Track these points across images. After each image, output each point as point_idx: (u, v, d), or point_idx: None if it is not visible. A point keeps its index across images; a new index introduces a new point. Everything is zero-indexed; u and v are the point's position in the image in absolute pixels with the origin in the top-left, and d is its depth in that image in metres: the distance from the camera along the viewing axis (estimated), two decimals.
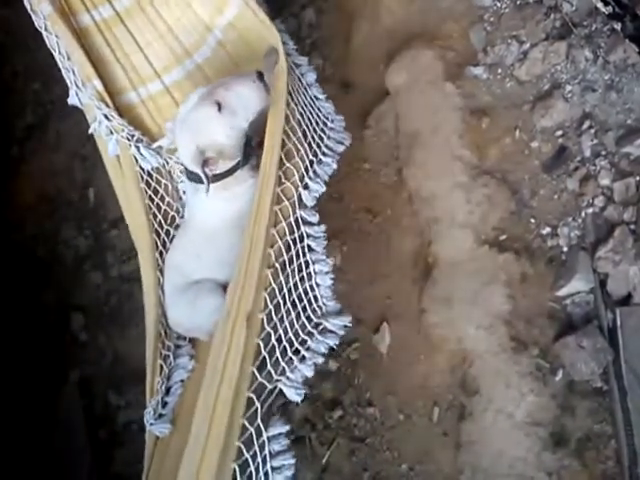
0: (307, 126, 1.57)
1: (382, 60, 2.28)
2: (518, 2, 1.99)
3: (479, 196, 1.91)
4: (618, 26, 1.55)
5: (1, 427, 2.52)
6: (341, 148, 1.63)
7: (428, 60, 2.13)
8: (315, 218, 1.44)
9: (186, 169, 1.54)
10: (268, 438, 1.17)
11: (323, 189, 1.50)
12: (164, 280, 1.65)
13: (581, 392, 1.65)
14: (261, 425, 1.17)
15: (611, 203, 1.71)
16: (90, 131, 1.71)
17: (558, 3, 1.89)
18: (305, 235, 1.42)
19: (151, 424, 1.50)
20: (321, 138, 1.60)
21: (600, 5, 1.54)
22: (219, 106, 1.43)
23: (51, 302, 2.83)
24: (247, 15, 1.69)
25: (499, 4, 2.03)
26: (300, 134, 1.53)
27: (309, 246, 1.41)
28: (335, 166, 1.58)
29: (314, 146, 1.56)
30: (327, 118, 1.66)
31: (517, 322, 1.77)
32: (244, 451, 1.14)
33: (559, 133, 1.85)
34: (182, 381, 1.58)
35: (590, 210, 1.74)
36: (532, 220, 1.84)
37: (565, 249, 1.77)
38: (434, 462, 1.84)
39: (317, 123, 1.61)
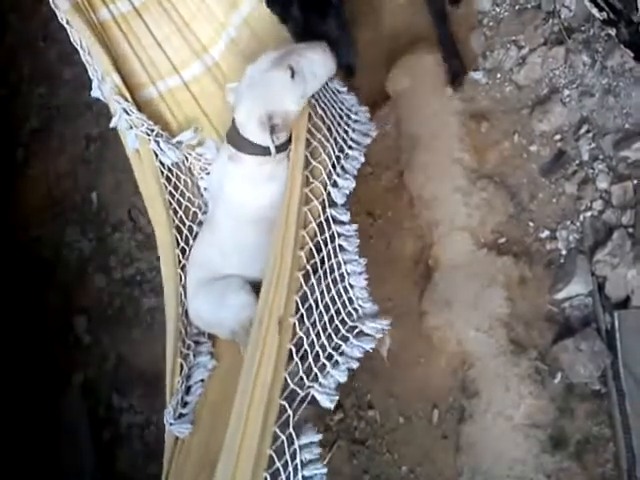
0: (331, 121, 1.52)
1: (383, 64, 2.29)
2: (517, 7, 2.00)
3: (478, 199, 1.92)
4: (613, 32, 1.56)
5: (5, 429, 2.54)
6: (367, 140, 1.57)
7: (429, 65, 2.14)
8: (346, 216, 1.40)
9: (235, 133, 1.46)
10: (299, 447, 1.12)
11: (353, 184, 1.45)
12: (188, 275, 1.61)
13: (580, 395, 1.65)
14: (293, 433, 1.12)
15: (609, 207, 1.71)
16: (111, 125, 1.71)
17: (556, 9, 1.90)
18: (336, 235, 1.36)
19: (171, 424, 1.47)
20: (346, 132, 1.54)
21: (595, 11, 1.55)
22: (292, 72, 1.39)
23: (55, 304, 2.85)
24: (261, 12, 1.67)
25: (498, 9, 2.03)
26: (325, 130, 1.49)
27: (341, 246, 1.35)
28: (363, 159, 1.52)
29: (340, 141, 1.51)
30: (350, 110, 1.61)
31: (516, 325, 1.77)
32: (275, 460, 1.10)
33: (557, 137, 1.86)
34: (202, 380, 1.55)
35: (588, 214, 1.75)
36: (531, 223, 1.84)
37: (563, 252, 1.77)
38: (434, 464, 1.84)
39: (341, 117, 1.57)
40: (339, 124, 1.54)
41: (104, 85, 1.70)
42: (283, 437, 1.11)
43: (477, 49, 2.07)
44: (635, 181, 1.69)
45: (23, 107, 3.29)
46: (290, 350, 1.20)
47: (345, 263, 1.34)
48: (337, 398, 1.19)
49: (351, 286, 1.31)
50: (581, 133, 1.81)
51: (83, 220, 2.92)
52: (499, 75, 2.01)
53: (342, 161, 1.49)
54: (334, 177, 1.44)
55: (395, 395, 1.95)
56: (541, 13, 1.95)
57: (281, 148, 1.45)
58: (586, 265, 1.70)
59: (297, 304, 1.25)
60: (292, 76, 1.39)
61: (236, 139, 1.46)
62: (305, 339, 1.22)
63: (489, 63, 2.03)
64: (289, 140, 1.47)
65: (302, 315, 1.24)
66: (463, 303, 1.87)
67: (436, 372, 1.90)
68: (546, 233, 1.81)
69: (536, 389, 1.70)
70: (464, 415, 1.80)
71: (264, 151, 1.43)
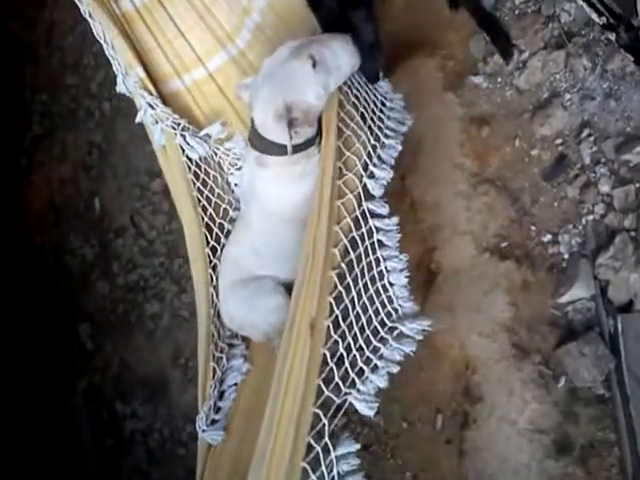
0: (365, 108, 1.44)
1: (383, 69, 2.29)
2: (517, 12, 2.00)
3: (480, 204, 1.92)
4: (613, 36, 1.56)
5: (8, 434, 2.54)
6: (404, 128, 1.49)
7: (429, 70, 2.15)
8: (385, 209, 1.31)
9: (256, 136, 1.37)
10: (336, 457, 1.04)
11: (391, 175, 1.36)
12: (219, 275, 1.55)
13: (584, 399, 1.65)
14: (329, 443, 1.04)
15: (611, 210, 1.71)
16: (137, 120, 1.67)
17: (556, 13, 1.90)
18: (374, 229, 1.28)
19: (203, 431, 1.41)
20: (381, 119, 1.46)
21: (594, 16, 1.55)
22: (314, 62, 1.29)
23: (58, 311, 2.86)
24: None
25: (498, 13, 2.03)
26: (358, 118, 1.40)
27: (380, 241, 1.28)
28: (400, 147, 1.43)
29: (375, 129, 1.41)
30: (385, 97, 1.54)
31: (519, 329, 1.77)
32: (310, 472, 1.02)
33: (559, 141, 1.85)
34: (236, 385, 1.50)
35: (590, 217, 1.74)
36: (533, 227, 1.84)
37: (566, 256, 1.77)
38: (438, 470, 1.84)
39: (375, 104, 1.48)
40: (374, 111, 1.45)
41: (128, 79, 1.65)
42: (318, 448, 1.04)
43: (477, 54, 2.07)
44: (637, 184, 1.68)
45: (25, 114, 3.31)
46: (324, 355, 1.13)
47: (385, 260, 1.26)
48: (377, 405, 1.12)
49: (391, 284, 1.25)
50: (582, 137, 1.80)
51: (86, 226, 2.93)
52: (500, 79, 2.01)
53: (378, 150, 1.39)
54: (370, 168, 1.35)
55: (398, 400, 1.94)
56: (541, 17, 1.95)
57: (303, 146, 1.36)
58: (589, 269, 1.70)
59: (331, 305, 1.17)
60: (313, 66, 1.29)
61: (258, 141, 1.38)
62: (341, 343, 1.15)
63: (490, 67, 2.03)
64: (317, 135, 1.38)
65: (337, 317, 1.17)
66: (466, 307, 1.86)
67: (439, 377, 1.89)
68: (548, 237, 1.81)
69: (540, 394, 1.69)
70: (467, 420, 1.80)
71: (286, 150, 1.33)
